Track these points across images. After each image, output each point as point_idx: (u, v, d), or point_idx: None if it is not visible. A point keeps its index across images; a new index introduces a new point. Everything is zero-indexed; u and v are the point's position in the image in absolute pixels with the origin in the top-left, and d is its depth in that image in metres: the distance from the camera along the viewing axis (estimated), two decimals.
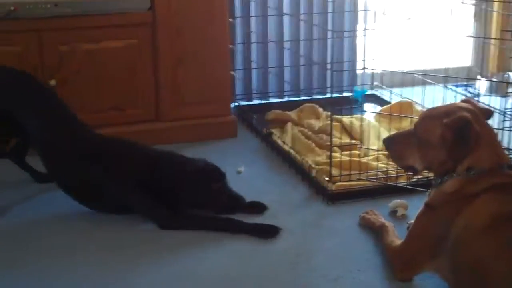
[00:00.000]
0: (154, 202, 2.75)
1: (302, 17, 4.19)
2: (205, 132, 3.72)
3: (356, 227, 2.77)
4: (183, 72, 3.65)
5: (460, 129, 2.17)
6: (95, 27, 3.49)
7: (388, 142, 2.47)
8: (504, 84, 3.95)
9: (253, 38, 4.23)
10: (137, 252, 2.58)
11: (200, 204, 2.82)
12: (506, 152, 2.73)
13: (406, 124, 3.46)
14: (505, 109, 3.44)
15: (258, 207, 2.88)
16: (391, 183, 3.07)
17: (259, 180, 3.20)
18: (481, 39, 4.38)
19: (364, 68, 3.51)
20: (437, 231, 2.24)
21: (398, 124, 3.50)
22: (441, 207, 2.25)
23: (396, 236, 2.53)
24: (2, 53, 3.35)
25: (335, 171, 3.08)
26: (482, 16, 4.62)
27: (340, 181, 3.05)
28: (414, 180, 3.08)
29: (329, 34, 4.18)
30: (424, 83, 3.58)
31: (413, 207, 2.82)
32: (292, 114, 3.83)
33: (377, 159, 3.23)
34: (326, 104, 3.67)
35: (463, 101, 2.39)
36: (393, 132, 3.22)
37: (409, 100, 3.75)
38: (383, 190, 3.04)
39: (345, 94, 4.29)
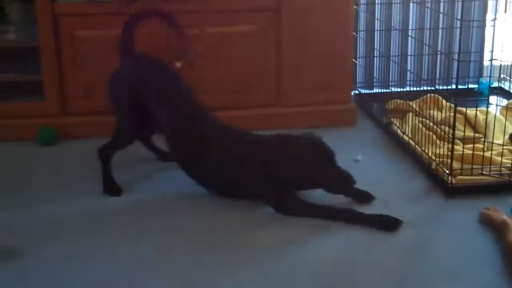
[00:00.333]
0: (271, 186, 2.79)
1: (428, 4, 4.09)
2: (324, 118, 3.73)
3: (475, 223, 2.70)
4: (305, 58, 3.67)
5: None
6: (221, 11, 3.57)
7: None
8: None
9: (377, 25, 4.18)
10: (253, 237, 2.63)
11: (311, 183, 2.81)
12: None
13: None
14: None
15: (364, 196, 2.86)
16: None
17: (377, 170, 3.17)
18: None
19: (491, 60, 3.39)
20: None
21: None
22: None
23: None
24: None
25: (456, 165, 3.01)
26: None
27: (461, 175, 2.98)
28: None
29: (457, 23, 4.06)
30: None
31: None
32: (414, 104, 3.76)
33: (501, 154, 3.13)
34: (450, 95, 3.57)
35: None
36: None
37: None
38: (506, 187, 2.94)
39: (470, 86, 4.17)
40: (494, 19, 3.42)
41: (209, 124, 2.93)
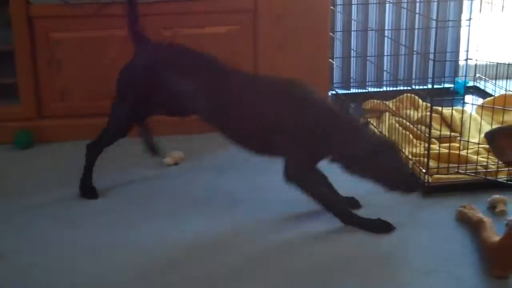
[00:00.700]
0: (301, 152, 2.68)
1: (404, 5, 4.12)
2: None
3: (452, 221, 2.72)
4: (283, 58, 3.67)
5: None
6: (197, 13, 3.56)
7: (491, 136, 2.36)
8: None
9: (354, 26, 4.20)
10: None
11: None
12: None
13: (509, 118, 3.36)
14: None
15: (351, 202, 2.85)
16: (491, 178, 2.99)
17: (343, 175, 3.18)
18: None
19: (467, 59, 3.42)
20: None
21: (501, 118, 3.39)
22: None
23: (494, 232, 2.46)
24: (105, 37, 3.48)
25: (432, 163, 3.03)
26: None
27: (438, 174, 3.00)
28: None
29: (432, 24, 4.09)
30: None
31: None
32: (391, 104, 3.79)
33: (477, 153, 3.16)
34: (426, 95, 3.60)
35: None
36: (495, 126, 3.13)
37: None
38: (482, 185, 2.96)
39: (446, 85, 4.20)
40: (469, 19, 3.44)
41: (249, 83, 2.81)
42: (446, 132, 3.37)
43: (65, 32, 3.51)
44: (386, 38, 4.19)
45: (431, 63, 3.18)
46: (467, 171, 3.02)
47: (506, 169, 3.03)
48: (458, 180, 2.99)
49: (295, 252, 2.51)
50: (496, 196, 2.83)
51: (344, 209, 2.70)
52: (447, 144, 3.18)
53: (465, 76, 3.60)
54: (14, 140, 3.50)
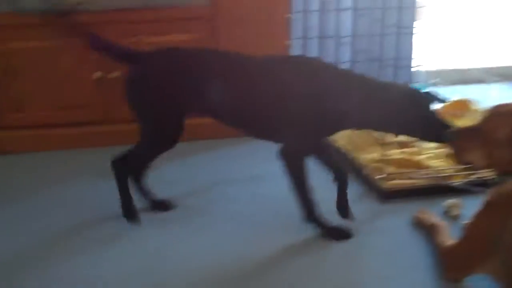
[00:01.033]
0: (302, 132, 2.63)
1: (361, 12, 4.17)
2: None
3: (408, 226, 2.76)
4: None
5: None
6: (157, 21, 3.56)
7: (451, 136, 2.37)
8: None
9: (311, 33, 4.23)
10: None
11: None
12: None
13: (463, 122, 3.42)
14: None
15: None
16: (446, 182, 3.05)
17: (312, 177, 3.20)
18: None
19: (421, 65, 3.48)
20: (494, 230, 2.19)
21: (456, 123, 3.45)
22: (502, 205, 2.20)
23: (449, 236, 2.50)
24: (64, 46, 3.46)
25: (389, 169, 3.07)
26: None
27: (394, 179, 3.04)
28: (469, 179, 3.06)
29: (388, 30, 4.15)
30: (482, 80, 3.53)
31: (468, 207, 2.81)
32: None
33: (432, 158, 3.21)
34: None
35: None
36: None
37: (467, 98, 3.70)
38: (437, 189, 3.01)
39: None
40: (424, 25, 3.51)
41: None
42: (401, 138, 3.42)
43: (21, 41, 3.47)
44: (343, 45, 4.22)
45: (387, 69, 3.25)
46: (423, 176, 3.07)
47: (461, 173, 3.09)
48: (414, 185, 3.03)
49: (254, 259, 2.53)
50: (451, 201, 2.88)
51: (312, 206, 2.68)
52: (403, 150, 3.23)
53: (420, 81, 3.65)
54: None
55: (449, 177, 3.08)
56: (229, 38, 3.64)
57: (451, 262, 2.36)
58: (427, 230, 2.65)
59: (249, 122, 2.72)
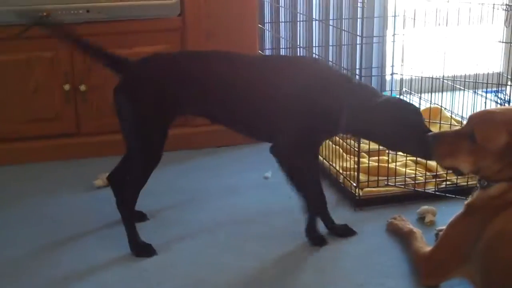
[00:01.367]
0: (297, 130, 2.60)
1: (331, 22, 4.19)
2: (232, 137, 3.72)
3: (383, 233, 2.76)
4: None
5: None
6: (126, 33, 3.54)
7: (434, 140, 2.28)
8: None
9: (283, 43, 4.25)
10: None
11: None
12: None
13: (435, 130, 3.44)
14: None
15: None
16: (420, 189, 3.06)
17: (286, 186, 3.19)
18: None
19: (392, 74, 3.50)
20: (472, 234, 2.20)
21: None
22: (481, 210, 2.20)
23: (424, 243, 2.52)
24: (34, 59, 3.43)
25: (362, 177, 3.08)
26: None
27: (368, 187, 3.05)
28: (442, 186, 3.08)
29: (358, 40, 4.17)
30: (453, 88, 3.56)
31: (442, 214, 2.83)
32: None
33: (405, 165, 3.23)
34: None
35: None
36: None
37: (438, 106, 3.73)
38: (411, 196, 3.03)
39: None
40: (394, 35, 3.53)
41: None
42: (375, 145, 3.43)
43: None
44: (314, 55, 4.24)
45: (358, 78, 3.24)
46: (396, 184, 3.09)
47: (434, 180, 3.11)
48: (388, 192, 3.05)
49: (229, 266, 2.51)
50: (425, 207, 2.90)
51: (311, 203, 2.68)
52: (376, 158, 3.24)
53: (391, 90, 3.66)
54: None
55: (422, 184, 3.10)
56: (199, 49, 3.62)
57: (427, 269, 2.37)
58: (401, 237, 2.66)
59: (243, 121, 2.68)
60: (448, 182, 3.11)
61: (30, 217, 2.93)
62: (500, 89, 4.23)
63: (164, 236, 2.75)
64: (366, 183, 3.06)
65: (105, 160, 3.37)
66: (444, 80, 3.63)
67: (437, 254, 2.35)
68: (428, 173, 3.17)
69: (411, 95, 4.19)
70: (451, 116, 3.61)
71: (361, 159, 3.12)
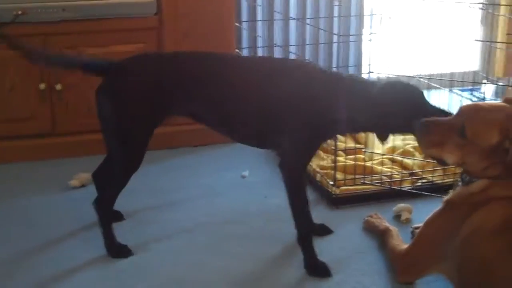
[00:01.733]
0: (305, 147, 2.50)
1: (308, 21, 4.20)
2: (208, 136, 3.72)
3: (360, 231, 2.78)
4: None
5: None
6: (102, 32, 3.51)
7: (423, 128, 2.23)
8: (510, 88, 3.95)
9: (259, 42, 4.24)
10: None
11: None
12: None
13: None
14: None
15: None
16: (396, 187, 3.08)
17: (264, 185, 3.21)
18: (487, 43, 4.37)
19: (369, 72, 3.51)
20: (449, 230, 2.21)
21: None
22: (460, 206, 2.21)
23: (400, 240, 2.53)
24: (8, 58, 3.38)
25: (339, 175, 3.09)
26: (488, 20, 4.61)
27: (345, 185, 3.06)
28: (418, 184, 3.10)
29: (335, 38, 4.19)
30: (429, 87, 3.58)
31: (418, 211, 2.85)
32: None
33: (381, 163, 3.24)
34: None
35: (505, 100, 2.22)
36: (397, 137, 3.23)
37: None
38: (387, 194, 3.05)
39: None
40: (370, 34, 3.55)
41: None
42: (351, 144, 3.45)
43: None
44: (291, 54, 4.25)
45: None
46: (373, 182, 3.10)
47: (410, 178, 3.13)
48: (365, 190, 3.06)
49: (207, 266, 2.51)
50: (401, 205, 2.91)
51: (309, 231, 2.55)
52: (353, 156, 3.26)
53: None
54: None
55: (399, 182, 3.11)
56: (176, 49, 3.61)
57: (404, 266, 2.39)
58: (378, 234, 2.67)
59: (236, 127, 2.58)
60: (424, 180, 3.14)
61: (4, 218, 2.90)
62: (475, 87, 4.28)
63: (141, 236, 2.74)
64: (343, 181, 3.07)
65: (81, 160, 3.37)
66: (420, 79, 3.66)
67: (413, 251, 2.37)
68: (404, 171, 3.19)
69: None
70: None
71: (337, 158, 3.12)
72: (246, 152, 3.28)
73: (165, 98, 2.52)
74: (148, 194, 3.12)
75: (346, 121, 2.43)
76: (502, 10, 4.27)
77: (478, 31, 4.65)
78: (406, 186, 3.09)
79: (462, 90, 4.12)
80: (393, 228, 2.64)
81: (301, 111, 2.44)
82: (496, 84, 4.19)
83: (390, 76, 2.86)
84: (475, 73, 4.05)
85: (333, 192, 3.01)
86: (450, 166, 2.65)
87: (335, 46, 4.25)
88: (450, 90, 3.62)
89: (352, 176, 3.09)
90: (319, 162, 3.29)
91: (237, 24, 3.93)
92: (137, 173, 2.57)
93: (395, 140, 3.40)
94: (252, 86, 2.50)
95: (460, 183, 2.27)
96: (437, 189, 2.99)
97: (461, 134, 2.13)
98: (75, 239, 2.73)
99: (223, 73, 2.53)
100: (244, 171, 3.34)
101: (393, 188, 3.07)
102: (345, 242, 2.69)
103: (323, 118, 2.44)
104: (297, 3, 4.20)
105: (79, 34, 3.48)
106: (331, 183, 3.05)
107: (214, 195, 3.13)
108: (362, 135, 3.54)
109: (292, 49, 4.24)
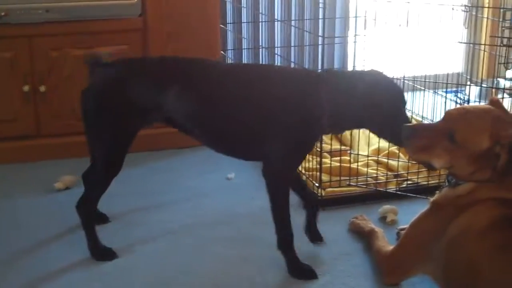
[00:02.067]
0: (293, 156, 2.46)
1: (293, 23, 4.20)
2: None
3: (345, 233, 2.78)
4: None
5: None
6: (86, 33, 3.50)
7: (410, 133, 2.22)
8: (494, 90, 3.97)
9: (245, 44, 4.24)
10: None
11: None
12: None
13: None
14: None
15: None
16: (381, 189, 3.09)
17: (248, 187, 3.20)
18: (471, 45, 4.39)
19: None
20: (435, 232, 2.22)
21: None
22: (446, 208, 2.22)
23: (386, 241, 2.54)
24: None
25: (325, 177, 3.10)
26: (472, 22, 4.63)
27: (330, 187, 3.07)
28: (404, 186, 3.11)
29: (320, 40, 4.19)
30: (413, 89, 3.60)
31: (403, 213, 2.86)
32: None
33: (367, 165, 3.25)
34: None
35: (491, 102, 2.22)
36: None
37: None
38: (373, 196, 3.06)
39: None
40: (355, 35, 3.55)
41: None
42: (336, 146, 3.46)
43: None
44: (276, 56, 4.25)
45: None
46: (358, 183, 3.11)
47: (395, 179, 3.14)
48: (350, 192, 3.06)
49: (193, 269, 2.50)
50: (386, 207, 2.92)
51: (290, 237, 2.49)
52: (338, 158, 3.26)
53: None
54: None
55: (384, 183, 3.12)
56: (160, 51, 3.60)
57: (389, 267, 2.39)
58: (364, 236, 2.68)
59: (219, 138, 2.56)
60: (409, 182, 3.15)
61: None
62: (459, 89, 4.29)
63: (126, 238, 2.72)
64: (329, 183, 3.08)
65: (65, 162, 3.35)
66: (405, 81, 3.67)
67: (398, 252, 2.38)
68: (389, 173, 3.20)
69: None
70: (411, 116, 3.64)
71: (323, 159, 3.13)
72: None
73: (146, 104, 2.49)
74: (133, 196, 3.11)
75: (331, 117, 2.38)
76: (486, 12, 4.29)
77: (461, 33, 4.67)
78: (392, 188, 3.10)
79: (447, 92, 4.13)
80: (379, 229, 2.65)
81: (283, 115, 2.39)
82: (480, 86, 4.21)
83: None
84: (459, 75, 4.06)
85: (318, 194, 3.01)
86: (436, 170, 2.65)
87: (320, 48, 4.25)
88: (435, 92, 3.63)
89: (337, 178, 3.09)
90: (305, 164, 3.29)
91: (222, 25, 3.92)
92: (122, 176, 2.56)
93: (381, 142, 3.40)
94: (228, 95, 2.46)
95: (446, 185, 2.28)
96: (422, 191, 3.00)
97: (451, 139, 2.13)
98: (61, 241, 2.72)
99: (202, 81, 2.49)
100: (230, 173, 3.33)
101: (379, 190, 3.08)
102: (331, 243, 2.69)
103: (307, 118, 2.40)
104: (282, 5, 4.20)
105: (63, 35, 3.46)
106: (317, 185, 3.05)
107: (199, 197, 3.12)
108: (347, 137, 3.55)
109: (278, 50, 4.25)
